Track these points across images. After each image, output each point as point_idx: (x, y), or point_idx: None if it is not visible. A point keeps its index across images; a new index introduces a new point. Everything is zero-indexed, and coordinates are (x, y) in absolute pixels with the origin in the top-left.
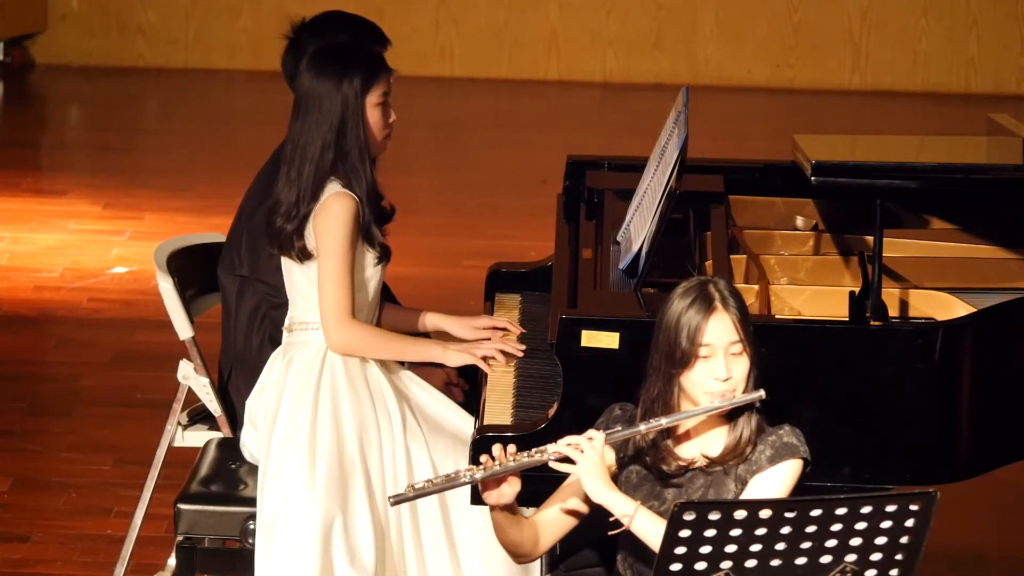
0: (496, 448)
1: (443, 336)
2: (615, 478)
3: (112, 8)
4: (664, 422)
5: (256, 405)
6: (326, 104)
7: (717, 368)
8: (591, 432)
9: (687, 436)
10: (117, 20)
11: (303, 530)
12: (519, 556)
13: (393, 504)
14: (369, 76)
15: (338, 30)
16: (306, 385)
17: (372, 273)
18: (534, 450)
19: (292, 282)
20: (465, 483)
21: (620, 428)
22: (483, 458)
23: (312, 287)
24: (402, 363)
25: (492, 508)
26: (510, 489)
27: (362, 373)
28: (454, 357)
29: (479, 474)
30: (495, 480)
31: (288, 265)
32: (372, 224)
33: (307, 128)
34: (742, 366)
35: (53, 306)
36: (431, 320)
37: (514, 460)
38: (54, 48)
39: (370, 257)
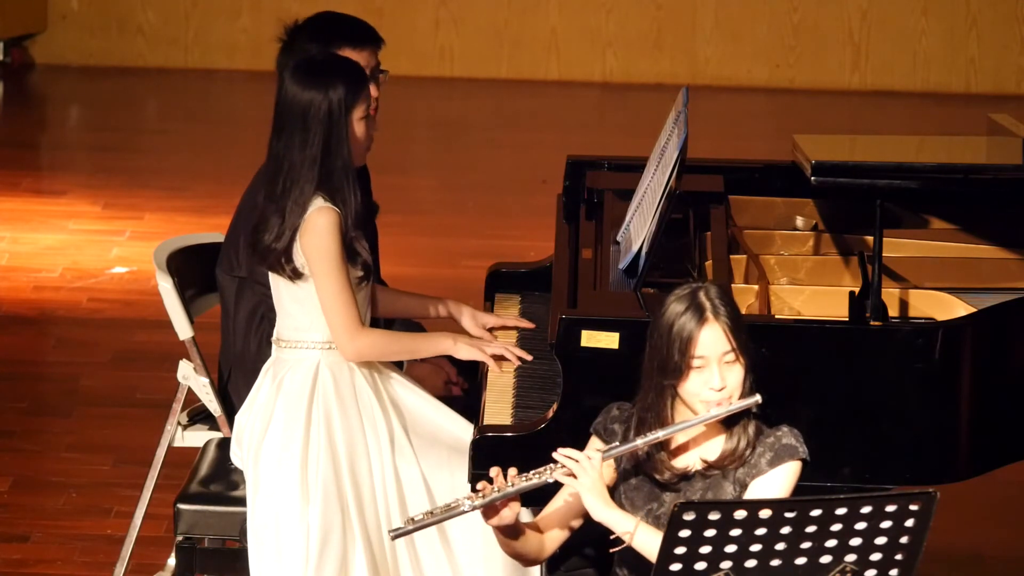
0: (494, 471)
1: (453, 324)
2: (615, 485)
3: (112, 8)
4: (661, 435)
5: (244, 422)
6: (311, 120)
7: (711, 378)
8: (589, 451)
9: (684, 446)
10: (117, 20)
11: (296, 548)
12: (525, 563)
13: (393, 538)
14: (354, 91)
15: (329, 32)
16: (298, 406)
17: (356, 291)
18: (532, 473)
19: (279, 298)
20: (464, 512)
21: (617, 444)
22: (480, 484)
23: (300, 307)
24: (399, 365)
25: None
26: (510, 512)
27: (352, 390)
28: (464, 350)
29: (478, 501)
30: (494, 506)
31: (276, 282)
32: (354, 241)
33: (291, 145)
34: (736, 374)
35: (53, 306)
36: (444, 307)
37: (512, 485)
38: (54, 48)
39: (354, 277)
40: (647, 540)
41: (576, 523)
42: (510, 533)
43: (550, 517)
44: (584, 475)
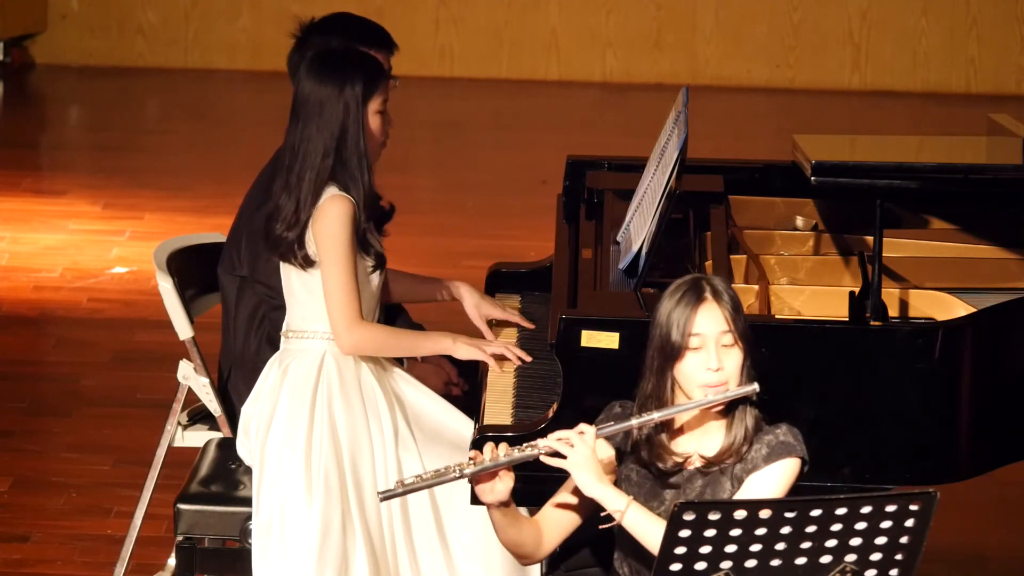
0: (487, 446)
1: (453, 308)
2: (616, 482)
3: (112, 8)
4: (656, 416)
5: (251, 413)
6: (327, 111)
7: (708, 359)
8: (582, 426)
9: (682, 432)
10: (117, 20)
11: (299, 538)
12: (522, 557)
13: (382, 500)
14: (371, 83)
15: (344, 33)
16: (303, 395)
17: (369, 280)
18: (525, 445)
19: (290, 289)
20: (454, 478)
21: (612, 423)
22: (472, 453)
23: (310, 295)
24: (400, 361)
25: (489, 507)
26: (503, 485)
27: (356, 382)
28: (464, 350)
29: (469, 469)
30: (488, 476)
31: (287, 271)
32: (367, 232)
33: (307, 134)
34: (734, 358)
35: (53, 306)
36: (452, 287)
37: (505, 455)
38: (54, 48)
39: (366, 266)
40: (638, 520)
41: (575, 518)
42: (506, 513)
43: (549, 512)
44: (575, 452)
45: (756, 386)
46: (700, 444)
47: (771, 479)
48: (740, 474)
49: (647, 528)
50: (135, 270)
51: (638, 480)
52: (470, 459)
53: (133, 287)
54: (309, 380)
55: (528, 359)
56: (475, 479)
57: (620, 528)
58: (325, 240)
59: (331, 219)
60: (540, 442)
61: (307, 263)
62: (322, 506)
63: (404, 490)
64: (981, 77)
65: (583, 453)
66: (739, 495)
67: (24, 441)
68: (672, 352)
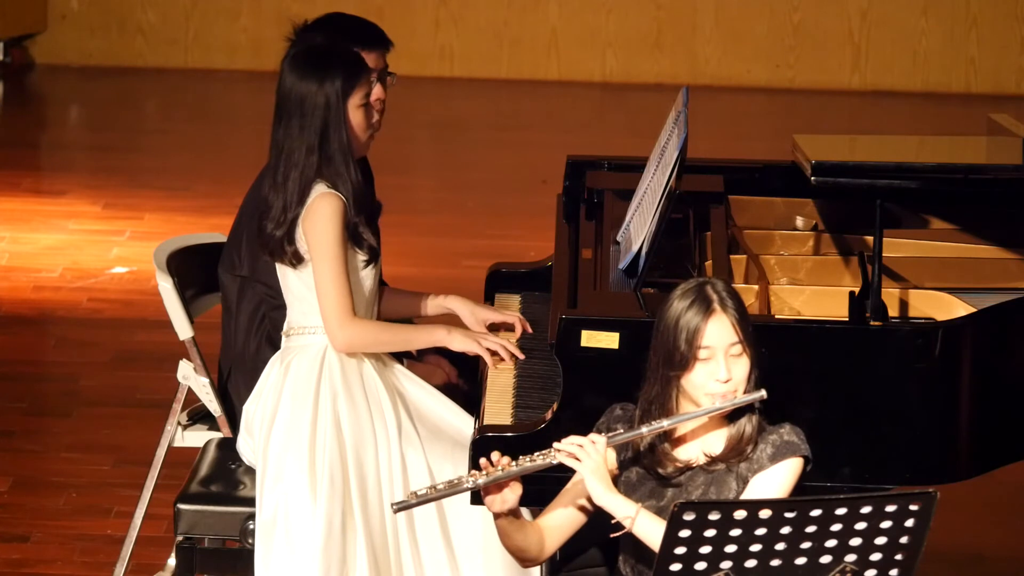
0: (495, 454)
1: (449, 320)
2: (616, 479)
3: (112, 8)
4: (666, 424)
5: (253, 410)
6: (308, 107)
7: (717, 370)
8: (593, 436)
9: (686, 438)
10: (117, 20)
11: (304, 534)
12: (525, 561)
13: (396, 511)
14: (350, 78)
15: (337, 33)
16: (306, 390)
17: (365, 275)
18: (536, 454)
19: (288, 287)
20: (468, 488)
21: (622, 430)
22: (483, 462)
23: (308, 291)
24: (400, 359)
25: (496, 515)
26: (512, 494)
27: (359, 377)
28: (459, 341)
29: (482, 479)
30: (497, 485)
31: (283, 270)
32: (359, 226)
33: (290, 132)
34: (742, 367)
35: (53, 306)
36: (444, 301)
37: (516, 464)
38: (54, 48)
39: (359, 260)
40: (648, 527)
41: (578, 521)
42: (512, 521)
43: (551, 516)
44: (588, 458)
45: (763, 393)
46: (703, 447)
47: (776, 478)
48: (745, 474)
49: (658, 534)
50: (135, 270)
51: (637, 480)
52: (481, 468)
53: (133, 287)
54: (312, 376)
55: (521, 356)
56: (485, 489)
57: (625, 533)
58: (315, 238)
59: (321, 217)
60: (552, 450)
61: (296, 260)
62: (326, 504)
63: (418, 501)
64: (981, 77)
65: (595, 460)
66: (745, 495)
67: (24, 441)
68: (680, 363)
